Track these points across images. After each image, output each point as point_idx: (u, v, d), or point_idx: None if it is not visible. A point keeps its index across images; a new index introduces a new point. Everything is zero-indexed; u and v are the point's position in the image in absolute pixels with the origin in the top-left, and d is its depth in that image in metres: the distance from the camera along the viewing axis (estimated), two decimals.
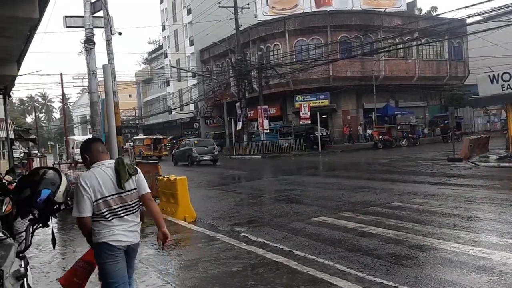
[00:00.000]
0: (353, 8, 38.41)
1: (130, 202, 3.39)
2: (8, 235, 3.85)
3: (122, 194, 3.33)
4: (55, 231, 7.90)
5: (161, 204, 10.39)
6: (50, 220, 3.06)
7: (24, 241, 3.03)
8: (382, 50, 33.92)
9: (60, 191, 2.98)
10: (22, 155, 29.88)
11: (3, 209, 6.52)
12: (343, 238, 7.03)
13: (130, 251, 3.39)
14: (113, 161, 3.45)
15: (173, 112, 53.30)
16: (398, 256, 5.92)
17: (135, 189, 3.42)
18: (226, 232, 8.01)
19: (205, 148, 26.53)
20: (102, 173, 3.27)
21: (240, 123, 35.22)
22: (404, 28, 35.80)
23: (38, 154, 30.49)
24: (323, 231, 7.59)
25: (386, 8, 38.99)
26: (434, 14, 54.51)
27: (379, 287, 4.84)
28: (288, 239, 7.27)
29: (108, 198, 3.25)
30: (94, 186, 3.18)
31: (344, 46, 35.54)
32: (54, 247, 3.56)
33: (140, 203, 3.50)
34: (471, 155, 18.01)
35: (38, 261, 6.46)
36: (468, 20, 28.79)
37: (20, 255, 2.98)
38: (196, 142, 27.70)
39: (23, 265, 2.96)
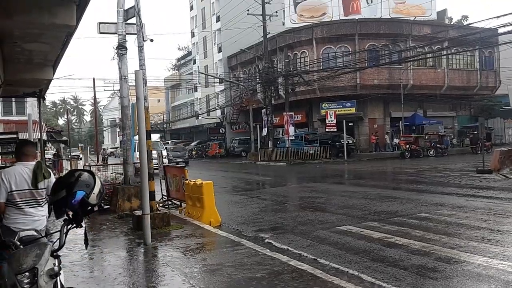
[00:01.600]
0: (382, 17, 38.12)
1: (38, 198, 4.20)
2: (42, 234, 4.00)
3: (33, 191, 4.15)
4: (87, 230, 8.12)
5: (187, 208, 10.56)
6: (84, 221, 3.17)
7: (58, 241, 3.14)
8: (411, 59, 33.51)
9: (94, 193, 3.09)
10: (53, 156, 30.69)
11: None
12: (369, 248, 6.98)
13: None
14: (33, 163, 4.25)
15: (200, 117, 53.86)
16: (424, 268, 5.84)
17: (44, 189, 4.21)
18: (250, 237, 8.06)
19: (178, 153, 34.44)
20: (20, 171, 4.15)
21: (266, 129, 35.31)
22: (433, 37, 35.30)
23: (81, 156, 31.13)
24: (348, 240, 7.56)
25: (415, 17, 38.55)
26: (465, 23, 53.55)
27: None
28: (313, 247, 7.26)
29: (20, 191, 4.10)
30: (11, 180, 4.07)
31: (372, 54, 35.27)
32: (86, 247, 3.68)
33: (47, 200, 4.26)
34: (502, 167, 17.55)
35: (68, 260, 6.64)
36: (500, 30, 28.21)
37: (54, 254, 3.08)
38: (172, 148, 35.76)
39: (57, 264, 3.07)
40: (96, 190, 3.12)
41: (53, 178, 4.22)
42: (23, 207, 4.12)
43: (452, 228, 8.06)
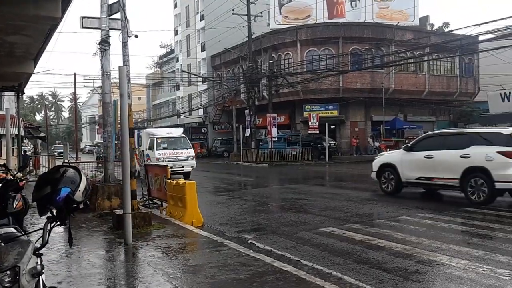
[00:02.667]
0: (366, 21, 38.50)
1: None
2: (22, 232, 3.88)
3: None
4: (65, 228, 7.93)
5: (168, 208, 10.43)
6: (68, 218, 3.07)
7: (40, 239, 3.04)
8: (393, 63, 33.92)
9: (79, 190, 2.99)
10: (30, 152, 30.06)
11: (14, 206, 6.57)
12: (351, 250, 7.00)
13: None
14: None
15: (181, 116, 53.48)
16: (407, 270, 5.88)
17: None
18: (233, 238, 8.00)
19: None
20: None
21: (249, 130, 35.29)
22: (415, 42, 35.80)
23: (68, 153, 29.97)
24: (331, 242, 7.57)
25: (398, 22, 39.04)
26: (446, 30, 54.49)
27: None
28: (296, 248, 7.25)
29: None
30: None
31: (355, 58, 35.58)
32: (70, 246, 3.57)
33: None
34: None
35: (46, 259, 6.42)
36: (480, 38, 28.77)
37: (37, 252, 2.98)
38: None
39: (39, 263, 2.97)
40: (81, 187, 3.02)
41: None
42: None
43: (433, 231, 8.14)
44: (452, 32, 39.31)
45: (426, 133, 14.05)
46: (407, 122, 38.95)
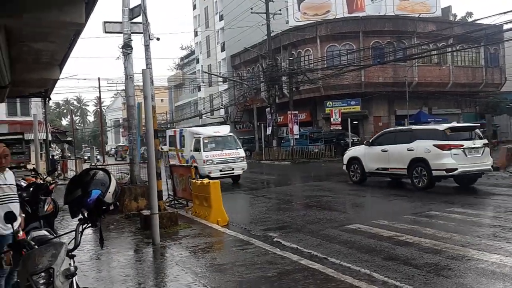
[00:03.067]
0: (386, 14, 37.95)
1: None
2: (54, 234, 3.97)
3: None
4: (94, 230, 8.08)
5: (194, 207, 10.52)
6: (99, 220, 3.13)
7: (73, 240, 3.11)
8: (416, 56, 33.35)
9: (109, 192, 3.05)
10: (58, 156, 30.73)
11: (45, 209, 6.73)
12: (379, 247, 6.92)
13: None
14: None
15: (203, 117, 53.81)
16: (437, 266, 5.78)
17: None
18: (259, 236, 8.01)
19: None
20: None
21: (270, 128, 35.24)
22: (438, 34, 35.12)
23: (98, 157, 30.11)
24: (358, 239, 7.50)
25: (420, 14, 38.34)
26: (469, 20, 53.28)
27: None
28: (322, 245, 7.21)
29: None
30: None
31: (377, 52, 35.12)
32: (102, 247, 3.65)
33: None
34: (509, 164, 17.41)
35: (76, 260, 6.58)
36: (505, 26, 27.97)
37: (70, 254, 3.05)
38: None
39: (72, 264, 3.04)
40: (111, 189, 3.08)
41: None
42: None
43: (463, 226, 7.99)
44: (476, 22, 38.43)
45: (383, 130, 16.26)
46: (432, 115, 38.22)
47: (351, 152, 16.02)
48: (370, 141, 15.05)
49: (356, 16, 37.16)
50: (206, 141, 18.40)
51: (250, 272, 5.69)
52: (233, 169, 18.01)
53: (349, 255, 6.56)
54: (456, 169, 12.06)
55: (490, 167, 12.92)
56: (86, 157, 39.95)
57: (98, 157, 33.66)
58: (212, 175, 16.59)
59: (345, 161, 15.87)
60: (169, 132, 24.42)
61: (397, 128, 17.66)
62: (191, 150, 18.65)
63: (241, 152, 18.54)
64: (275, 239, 7.79)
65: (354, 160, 15.29)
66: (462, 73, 38.40)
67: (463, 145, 12.29)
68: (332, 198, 12.39)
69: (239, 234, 8.08)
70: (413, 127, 14.85)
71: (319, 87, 35.28)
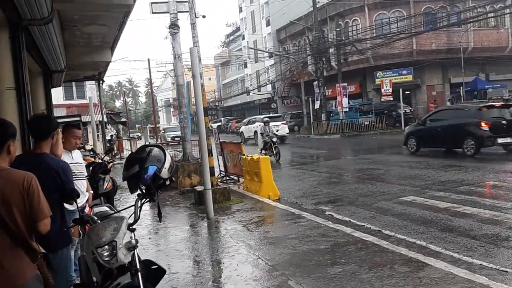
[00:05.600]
0: None
1: None
2: (114, 210, 4.16)
3: None
4: (151, 206, 8.39)
5: (245, 182, 10.67)
6: (156, 195, 3.25)
7: (133, 215, 3.25)
8: (471, 20, 31.53)
9: (165, 168, 3.15)
10: (114, 137, 31.92)
11: (105, 187, 7.05)
12: (435, 218, 6.76)
13: None
14: None
15: (251, 94, 53.94)
16: (497, 237, 5.59)
17: None
18: (310, 210, 8.02)
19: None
20: None
21: (318, 102, 34.78)
22: None
23: (140, 135, 31.12)
24: (413, 211, 7.34)
25: None
26: None
27: (478, 268, 4.60)
28: (376, 218, 7.13)
29: None
30: None
31: (429, 18, 33.51)
32: (160, 220, 3.79)
33: None
34: None
35: (136, 234, 6.90)
36: None
37: (130, 227, 3.19)
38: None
39: (133, 237, 3.18)
40: (167, 164, 3.17)
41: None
42: None
43: None
44: None
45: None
46: (490, 81, 36.28)
47: None
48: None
49: None
50: None
51: (303, 245, 5.73)
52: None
53: (403, 227, 6.46)
54: None
55: None
56: (136, 137, 41.18)
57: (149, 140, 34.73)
58: None
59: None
60: None
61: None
62: None
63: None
64: (327, 213, 7.78)
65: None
66: None
67: None
68: (384, 171, 12.16)
69: (291, 208, 8.13)
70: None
71: (368, 57, 34.25)
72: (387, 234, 6.13)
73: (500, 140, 12.98)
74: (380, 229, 6.44)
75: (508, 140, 12.95)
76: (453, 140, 14.01)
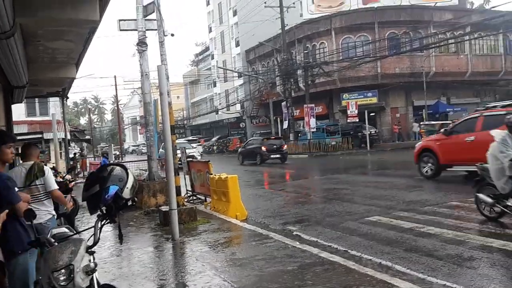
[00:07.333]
0: (402, 4, 37.38)
1: (35, 194, 4.59)
2: (74, 231, 3.99)
3: (30, 187, 4.54)
4: (114, 227, 8.14)
5: (212, 202, 10.53)
6: (117, 216, 3.13)
7: (92, 237, 3.11)
8: (433, 45, 32.80)
9: (127, 187, 3.04)
10: (78, 155, 31.10)
11: (65, 207, 6.79)
12: (400, 238, 6.82)
13: (37, 229, 4.13)
14: (31, 163, 4.68)
15: (219, 112, 53.95)
16: (460, 257, 5.66)
17: (41, 185, 4.63)
18: (278, 230, 7.96)
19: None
20: (19, 170, 4.62)
21: (287, 122, 35.15)
22: (455, 22, 34.44)
23: (113, 153, 30.42)
24: (378, 231, 7.40)
25: (436, 3, 37.66)
26: (487, 7, 52.18)
27: None
28: (342, 238, 7.13)
29: (19, 188, 4.29)
30: (16, 179, 4.19)
31: (393, 43, 34.65)
32: (121, 243, 3.66)
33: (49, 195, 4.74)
34: None
35: (97, 257, 6.59)
36: None
37: (89, 250, 3.06)
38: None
39: (92, 260, 3.04)
40: (129, 184, 3.07)
41: (48, 175, 4.72)
42: None
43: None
44: (493, 8, 37.63)
45: None
46: (451, 105, 37.62)
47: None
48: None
49: (371, 7, 36.70)
50: None
51: (270, 266, 5.66)
52: None
53: (369, 247, 6.48)
54: None
55: None
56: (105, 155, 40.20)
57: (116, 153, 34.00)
58: None
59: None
60: None
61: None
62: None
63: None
64: (295, 233, 7.74)
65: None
66: (480, 61, 37.65)
67: None
68: (351, 191, 12.27)
69: (258, 228, 8.06)
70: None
71: (335, 79, 34.99)
72: (353, 255, 6.14)
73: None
74: (346, 249, 6.44)
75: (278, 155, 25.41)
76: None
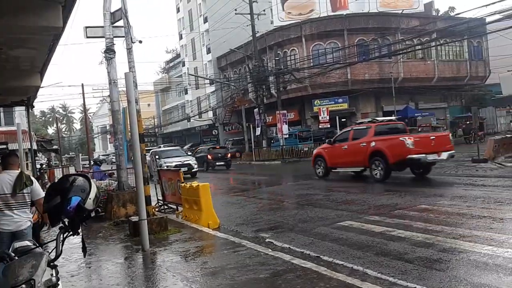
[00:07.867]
0: (370, 11, 38.17)
1: (21, 202, 4.83)
2: (37, 244, 3.84)
3: (16, 195, 4.79)
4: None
5: (184, 211, 10.39)
6: (80, 228, 3.01)
7: (54, 250, 2.98)
8: (400, 52, 33.56)
9: (90, 198, 2.93)
10: (44, 165, 30.27)
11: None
12: (371, 243, 6.87)
13: (17, 236, 4.53)
14: (17, 172, 4.96)
15: (191, 120, 53.62)
16: (429, 259, 5.74)
17: (27, 193, 4.87)
18: (250, 238, 7.91)
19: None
20: (4, 178, 4.83)
21: (259, 128, 35.20)
22: (422, 29, 35.38)
23: (80, 163, 29.78)
24: (350, 236, 7.44)
25: (403, 10, 38.63)
26: (452, 14, 53.81)
27: None
28: (315, 244, 7.13)
29: (2, 195, 4.77)
30: None
31: (362, 49, 35.29)
32: (85, 255, 3.51)
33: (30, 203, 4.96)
34: (496, 155, 17.57)
35: (65, 270, 6.46)
36: (488, 19, 28.21)
37: (51, 264, 2.92)
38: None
39: (54, 274, 2.91)
40: (92, 195, 2.95)
41: (36, 184, 5.00)
42: (4, 209, 4.77)
43: (453, 219, 7.97)
44: (458, 15, 38.86)
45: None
46: (419, 110, 38.54)
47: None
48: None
49: (340, 14, 37.35)
50: None
51: (242, 275, 5.59)
52: None
53: (341, 252, 6.50)
54: None
55: None
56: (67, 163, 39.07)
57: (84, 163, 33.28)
58: None
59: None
60: None
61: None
62: None
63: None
64: (267, 240, 7.70)
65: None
66: (446, 67, 38.76)
67: None
68: (323, 196, 12.35)
69: (230, 236, 7.98)
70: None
71: (306, 86, 35.33)
72: (325, 260, 6.14)
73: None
74: (318, 255, 6.43)
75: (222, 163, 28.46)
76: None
